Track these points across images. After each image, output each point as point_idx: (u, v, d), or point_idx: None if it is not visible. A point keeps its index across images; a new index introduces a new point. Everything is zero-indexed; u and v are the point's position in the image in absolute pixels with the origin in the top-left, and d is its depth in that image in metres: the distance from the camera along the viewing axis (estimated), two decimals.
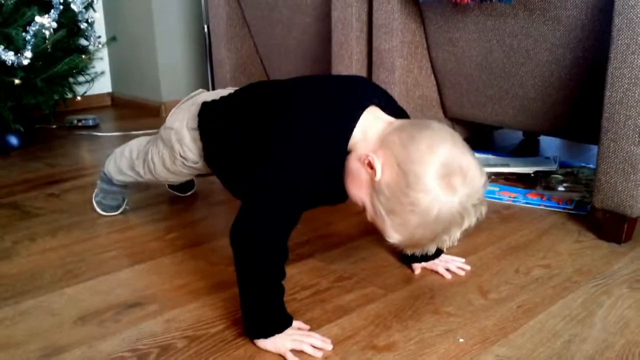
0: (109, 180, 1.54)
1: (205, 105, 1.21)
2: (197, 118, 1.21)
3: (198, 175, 1.44)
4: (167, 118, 1.30)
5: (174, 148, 1.27)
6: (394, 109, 1.07)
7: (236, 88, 1.26)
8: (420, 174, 0.89)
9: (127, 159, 1.46)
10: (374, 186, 0.93)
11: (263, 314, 0.99)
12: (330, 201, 1.14)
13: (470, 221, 0.92)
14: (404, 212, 0.91)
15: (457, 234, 0.92)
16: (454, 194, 0.89)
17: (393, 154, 0.92)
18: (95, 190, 1.60)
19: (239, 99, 1.19)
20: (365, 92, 1.05)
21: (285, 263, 1.00)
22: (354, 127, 0.98)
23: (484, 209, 0.93)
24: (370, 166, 0.94)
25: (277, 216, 0.97)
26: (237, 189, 1.22)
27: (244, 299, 1.00)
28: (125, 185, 1.55)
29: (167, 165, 1.32)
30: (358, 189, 0.97)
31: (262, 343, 0.98)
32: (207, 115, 1.20)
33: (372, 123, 0.99)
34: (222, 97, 1.23)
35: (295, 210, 1.00)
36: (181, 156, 1.27)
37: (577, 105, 1.57)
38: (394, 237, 0.94)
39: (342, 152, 0.99)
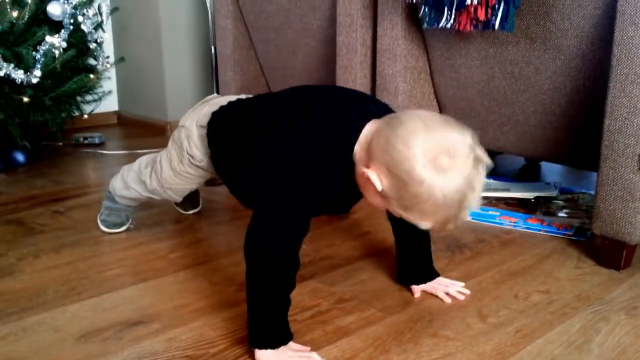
0: (113, 198, 1.57)
1: (219, 109, 1.27)
2: (207, 117, 1.27)
3: (206, 184, 1.47)
4: (182, 118, 1.37)
5: (183, 145, 1.32)
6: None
7: (250, 95, 1.33)
8: (409, 171, 0.90)
9: (136, 171, 1.51)
10: (381, 194, 0.95)
11: (272, 324, 1.01)
12: (333, 210, 1.17)
13: (480, 177, 0.92)
14: (416, 206, 0.93)
15: (476, 194, 0.92)
16: (448, 172, 0.89)
17: (381, 162, 0.94)
18: (101, 209, 1.62)
19: (248, 106, 1.25)
20: (367, 105, 1.08)
21: (296, 274, 1.02)
22: (357, 138, 1.00)
23: (483, 157, 0.92)
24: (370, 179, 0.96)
25: (287, 227, 1.00)
26: (242, 195, 1.26)
27: (254, 308, 1.01)
28: (128, 205, 1.57)
29: (174, 166, 1.36)
30: (374, 199, 1.00)
31: (265, 358, 1.00)
32: (217, 118, 1.25)
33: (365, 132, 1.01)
34: (232, 102, 1.28)
35: (304, 219, 1.02)
36: (188, 153, 1.32)
37: (577, 133, 1.59)
38: (424, 225, 0.96)
39: (347, 160, 1.01)
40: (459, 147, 0.90)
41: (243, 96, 1.33)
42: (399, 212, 0.96)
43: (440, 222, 0.94)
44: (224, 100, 1.32)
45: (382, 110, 1.07)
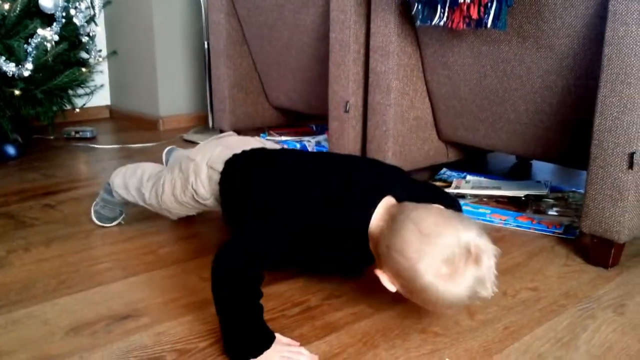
0: (111, 192, 1.56)
1: (233, 156, 1.27)
2: (220, 161, 1.27)
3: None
4: (193, 150, 1.38)
5: (189, 179, 1.31)
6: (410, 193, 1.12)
7: (263, 140, 1.37)
8: (413, 281, 0.96)
9: (138, 179, 1.49)
10: (398, 292, 1.02)
11: (247, 334, 1.00)
12: (344, 272, 1.24)
13: (485, 269, 0.94)
14: (430, 305, 0.99)
15: (487, 285, 0.95)
16: (451, 278, 0.94)
17: (387, 268, 1.00)
18: (96, 199, 1.62)
19: (266, 164, 1.25)
20: (384, 181, 1.13)
21: (260, 285, 1.04)
22: (371, 217, 1.05)
23: (484, 249, 0.95)
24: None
25: (269, 257, 1.04)
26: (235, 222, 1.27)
27: (225, 323, 1.01)
28: (125, 202, 1.57)
29: (176, 193, 1.36)
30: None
31: None
32: (232, 167, 1.26)
33: (379, 218, 1.05)
34: (249, 155, 1.28)
35: (281, 255, 1.07)
36: (193, 188, 1.31)
37: (568, 132, 1.60)
38: (446, 312, 1.06)
39: (360, 235, 1.06)
40: (455, 251, 0.93)
41: (257, 141, 1.35)
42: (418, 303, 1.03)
43: (462, 306, 1.02)
44: (237, 142, 1.34)
45: (399, 185, 1.12)
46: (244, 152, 1.28)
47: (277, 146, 1.39)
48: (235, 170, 1.25)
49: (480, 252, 0.93)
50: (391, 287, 1.01)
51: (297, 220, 1.06)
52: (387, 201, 1.07)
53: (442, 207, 1.03)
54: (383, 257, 1.00)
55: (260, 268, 1.04)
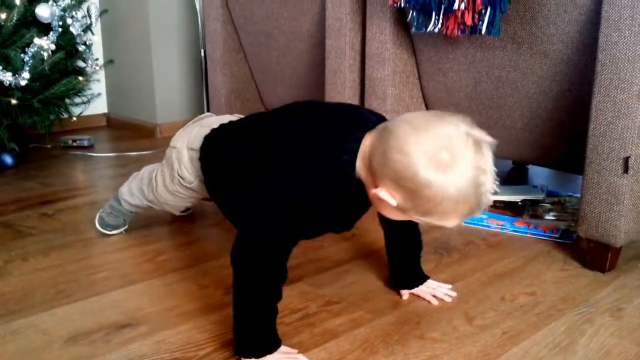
0: (119, 200, 1.57)
1: (210, 132, 1.26)
2: (198, 139, 1.26)
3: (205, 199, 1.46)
4: (173, 137, 1.36)
5: (174, 166, 1.32)
6: None
7: (241, 116, 1.33)
8: (414, 178, 0.89)
9: (139, 180, 1.52)
10: (399, 208, 0.94)
11: (256, 334, 1.01)
12: (336, 228, 1.16)
13: (486, 157, 0.89)
14: (434, 208, 0.91)
15: (489, 175, 0.90)
16: (452, 166, 0.87)
17: (385, 178, 0.92)
18: (104, 206, 1.62)
19: (241, 128, 1.24)
20: (360, 116, 1.07)
21: (283, 285, 1.03)
22: (355, 158, 0.98)
23: (481, 137, 0.90)
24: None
25: (276, 240, 1.00)
26: (232, 214, 1.25)
27: (238, 317, 1.02)
28: (131, 212, 1.58)
29: (166, 184, 1.37)
30: (395, 215, 0.99)
31: None
32: (209, 142, 1.25)
33: (366, 145, 0.98)
34: (225, 125, 1.27)
35: (294, 234, 1.03)
36: (179, 174, 1.32)
37: (563, 137, 1.61)
38: (450, 224, 0.94)
39: (351, 185, 0.99)
40: (453, 138, 0.88)
41: (235, 117, 1.32)
42: (421, 220, 0.95)
43: (465, 215, 0.92)
44: (215, 121, 1.32)
45: (374, 117, 1.06)
46: (221, 125, 1.27)
47: None
48: (214, 144, 1.24)
49: (479, 139, 0.89)
50: (392, 200, 0.93)
51: (289, 184, 1.00)
52: (370, 133, 1.00)
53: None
54: (379, 168, 0.93)
55: (278, 249, 1.00)
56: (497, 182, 0.91)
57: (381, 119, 1.06)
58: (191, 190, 1.34)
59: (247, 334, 1.01)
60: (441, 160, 0.87)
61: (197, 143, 1.27)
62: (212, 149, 1.24)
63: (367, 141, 0.97)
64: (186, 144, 1.30)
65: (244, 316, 1.01)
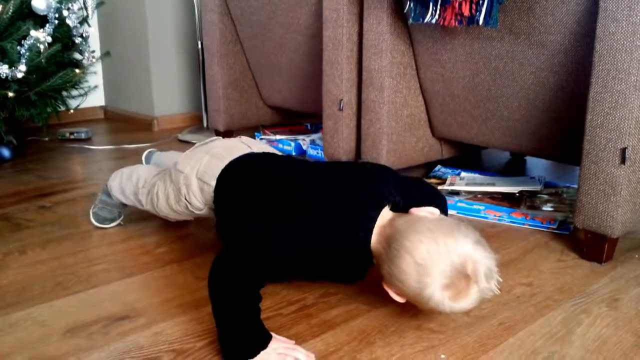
0: (109, 194, 1.57)
1: (223, 173, 1.26)
2: (209, 171, 1.26)
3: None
4: (180, 160, 1.34)
5: (181, 191, 1.31)
6: (404, 194, 1.14)
7: (248, 139, 1.35)
8: (421, 303, 1.01)
9: (133, 185, 1.49)
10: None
11: (248, 336, 1.00)
12: (346, 279, 1.22)
13: (490, 279, 0.98)
14: (446, 313, 1.05)
15: (492, 289, 0.99)
16: (459, 300, 0.98)
17: (397, 286, 1.02)
18: (95, 202, 1.62)
19: (257, 176, 1.24)
20: (382, 190, 1.11)
21: (260, 289, 1.04)
22: (371, 234, 1.06)
23: (489, 268, 0.98)
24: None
25: (267, 272, 1.05)
26: (231, 235, 1.25)
27: (224, 328, 1.01)
28: (124, 204, 1.58)
29: (170, 203, 1.36)
30: None
31: None
32: (227, 179, 1.25)
33: (377, 237, 1.06)
34: (242, 162, 1.27)
35: (284, 273, 1.12)
36: (186, 199, 1.31)
37: (561, 128, 1.61)
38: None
39: (365, 254, 1.08)
40: (452, 277, 0.96)
41: (241, 143, 1.33)
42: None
43: (478, 304, 1.03)
44: (223, 148, 1.31)
45: (392, 189, 1.12)
46: (231, 165, 1.26)
47: (264, 147, 1.36)
48: (227, 189, 1.24)
49: (476, 268, 0.96)
50: (400, 299, 1.05)
51: (297, 244, 1.04)
52: (383, 216, 1.07)
53: (432, 217, 1.05)
54: (387, 279, 1.03)
55: (256, 281, 1.03)
56: (498, 281, 1.00)
57: (396, 188, 1.12)
58: (197, 214, 1.35)
59: (234, 340, 1.00)
60: (445, 297, 0.97)
61: (209, 177, 1.26)
62: (227, 196, 1.24)
63: (377, 232, 1.06)
64: (195, 172, 1.28)
65: (225, 327, 1.00)
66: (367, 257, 1.07)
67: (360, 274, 1.15)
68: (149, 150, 1.79)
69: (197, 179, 1.28)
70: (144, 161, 1.77)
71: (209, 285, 1.02)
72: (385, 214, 1.08)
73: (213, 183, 1.25)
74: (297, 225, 1.05)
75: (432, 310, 1.01)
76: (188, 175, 1.30)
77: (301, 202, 1.09)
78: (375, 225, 1.05)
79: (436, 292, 0.96)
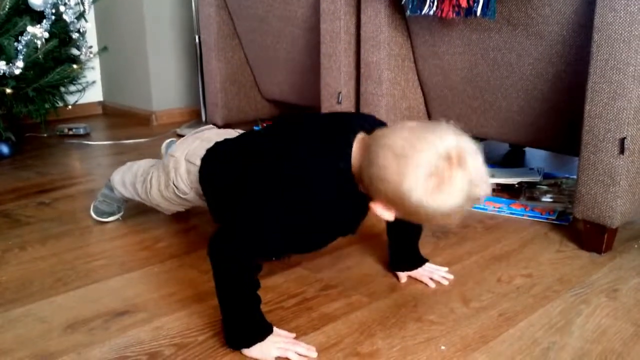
0: (112, 188, 1.57)
1: (213, 148, 1.25)
2: (197, 153, 1.26)
3: None
4: (174, 146, 1.36)
5: (170, 175, 1.32)
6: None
7: (242, 131, 1.34)
8: (407, 203, 0.91)
9: (133, 174, 1.51)
10: (398, 217, 0.98)
11: (243, 324, 1.01)
12: (340, 233, 1.19)
13: (473, 170, 0.90)
14: (433, 219, 0.95)
15: (481, 185, 0.91)
16: (443, 191, 0.89)
17: (379, 198, 0.96)
18: (97, 195, 1.62)
19: (241, 145, 1.23)
20: (352, 121, 1.08)
21: (257, 275, 1.03)
22: (351, 156, 1.00)
23: (465, 150, 0.90)
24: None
25: (263, 245, 1.03)
26: (223, 216, 1.25)
27: (224, 312, 1.03)
28: (125, 200, 1.58)
29: (161, 189, 1.37)
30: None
31: (249, 352, 1.01)
32: (210, 157, 1.24)
33: (356, 155, 1.01)
34: (224, 143, 1.26)
35: (280, 245, 1.07)
36: (174, 184, 1.31)
37: (559, 118, 1.61)
38: (452, 222, 0.98)
39: (349, 184, 1.01)
40: (435, 164, 0.88)
41: (235, 132, 1.33)
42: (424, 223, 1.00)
43: (458, 217, 0.94)
44: (215, 134, 1.32)
45: (366, 122, 1.07)
46: (218, 143, 1.26)
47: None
48: (216, 162, 1.24)
49: (462, 154, 0.89)
50: (388, 215, 0.97)
51: (284, 190, 1.02)
52: (360, 137, 1.02)
53: (411, 123, 0.98)
54: (369, 187, 0.96)
55: (251, 268, 1.03)
56: (486, 177, 0.92)
57: (372, 123, 1.08)
58: (184, 200, 1.35)
59: (238, 325, 1.02)
60: (429, 188, 0.88)
61: (196, 158, 1.26)
62: (214, 167, 1.23)
63: (355, 154, 1.00)
64: (184, 155, 1.29)
65: (230, 309, 1.02)
66: (351, 186, 1.01)
67: (354, 219, 1.12)
68: (170, 139, 1.77)
69: (185, 161, 1.29)
70: (163, 151, 1.74)
71: (211, 263, 1.03)
72: (362, 137, 1.02)
73: (198, 163, 1.25)
74: (285, 204, 1.01)
75: (417, 214, 0.93)
76: (178, 159, 1.30)
77: (289, 178, 1.04)
78: (353, 150, 1.00)
79: (419, 182, 0.88)
